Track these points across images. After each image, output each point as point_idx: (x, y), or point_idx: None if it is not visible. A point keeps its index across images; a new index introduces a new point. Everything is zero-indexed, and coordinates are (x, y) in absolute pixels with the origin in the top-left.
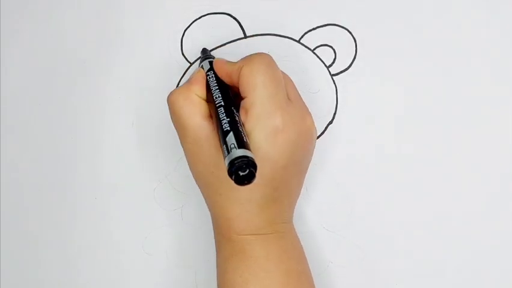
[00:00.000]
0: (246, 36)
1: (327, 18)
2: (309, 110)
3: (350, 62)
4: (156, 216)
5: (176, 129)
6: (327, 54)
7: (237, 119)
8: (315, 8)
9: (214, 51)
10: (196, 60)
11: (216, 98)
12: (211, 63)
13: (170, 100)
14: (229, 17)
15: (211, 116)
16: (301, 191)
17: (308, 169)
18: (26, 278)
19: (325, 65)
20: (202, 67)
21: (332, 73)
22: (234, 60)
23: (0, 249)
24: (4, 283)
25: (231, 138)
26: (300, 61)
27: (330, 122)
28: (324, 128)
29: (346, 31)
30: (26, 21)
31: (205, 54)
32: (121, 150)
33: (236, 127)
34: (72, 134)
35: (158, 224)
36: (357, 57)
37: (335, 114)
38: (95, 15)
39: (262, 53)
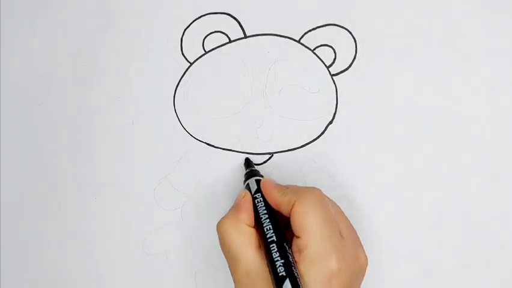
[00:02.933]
0: (246, 36)
1: (327, 18)
2: (360, 242)
3: (350, 62)
4: (156, 216)
5: (227, 259)
6: (327, 54)
7: (290, 258)
8: (315, 8)
9: (214, 51)
10: (196, 61)
11: (267, 230)
12: (257, 182)
13: (221, 230)
14: (229, 17)
15: (261, 245)
16: None
17: (308, 170)
18: (26, 278)
19: (325, 65)
20: (248, 187)
21: (332, 73)
22: (236, 61)
23: (0, 249)
24: (4, 283)
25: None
26: (300, 61)
27: (330, 122)
28: (324, 128)
29: (346, 31)
30: (26, 21)
31: (250, 167)
32: (121, 150)
33: (291, 272)
34: (72, 134)
35: (158, 224)
36: (357, 57)
37: (335, 114)
38: (95, 15)
39: (313, 189)
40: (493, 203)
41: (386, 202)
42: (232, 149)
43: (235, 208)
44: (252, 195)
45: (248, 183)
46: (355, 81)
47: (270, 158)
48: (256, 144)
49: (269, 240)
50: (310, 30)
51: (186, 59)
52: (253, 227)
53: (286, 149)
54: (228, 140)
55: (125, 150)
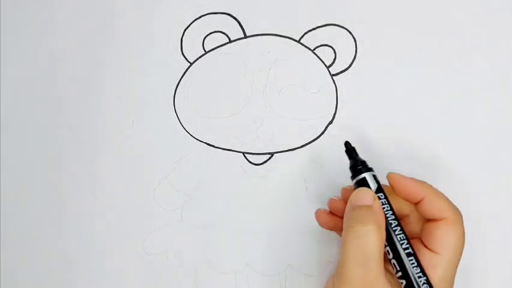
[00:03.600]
0: (246, 36)
1: (327, 18)
2: None
3: (350, 62)
4: (156, 216)
5: (351, 262)
6: (327, 54)
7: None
8: (315, 8)
9: (214, 51)
10: (196, 61)
11: (401, 239)
12: (375, 179)
13: (362, 233)
14: (229, 17)
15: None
16: (302, 190)
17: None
18: (26, 278)
19: (325, 65)
20: (363, 184)
21: (332, 73)
22: (236, 61)
23: (0, 249)
24: (4, 283)
25: None
26: (300, 61)
27: (330, 122)
28: (324, 128)
29: (346, 31)
30: (26, 21)
31: (356, 157)
32: (121, 150)
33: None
34: (72, 134)
35: (158, 224)
36: (357, 57)
37: (335, 114)
38: (95, 15)
39: (459, 211)
40: (493, 203)
41: None
42: (232, 149)
43: (373, 212)
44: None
45: (365, 180)
46: (355, 81)
47: (270, 158)
48: (256, 144)
49: (406, 252)
50: (310, 30)
51: (186, 59)
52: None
53: (286, 149)
54: (228, 140)
55: (125, 150)
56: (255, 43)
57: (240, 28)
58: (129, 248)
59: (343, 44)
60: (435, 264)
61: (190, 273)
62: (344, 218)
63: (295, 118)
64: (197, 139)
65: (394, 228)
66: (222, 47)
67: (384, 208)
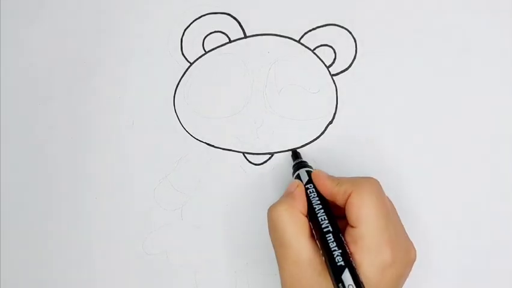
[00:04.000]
0: (246, 36)
1: (327, 18)
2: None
3: (350, 62)
4: (156, 216)
5: (275, 246)
6: (327, 54)
7: (347, 249)
8: (315, 8)
9: (214, 51)
10: (196, 61)
11: (322, 220)
12: (308, 173)
13: (274, 216)
14: (229, 17)
15: (313, 235)
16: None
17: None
18: (26, 278)
19: (325, 65)
20: (298, 177)
21: (332, 73)
22: (236, 61)
23: (0, 249)
24: (4, 283)
25: (347, 277)
26: (300, 61)
27: (330, 122)
28: (324, 128)
29: (346, 31)
30: (26, 21)
31: (298, 159)
32: (121, 150)
33: (349, 262)
34: (72, 134)
35: (158, 224)
36: (357, 57)
37: (335, 114)
38: (95, 15)
39: (370, 178)
40: (494, 203)
41: None
42: (232, 149)
43: (290, 196)
44: (304, 186)
45: (299, 174)
46: (355, 81)
47: (270, 158)
48: (256, 144)
49: (325, 230)
50: (310, 30)
51: (186, 59)
52: (306, 217)
53: (286, 149)
54: (228, 140)
55: (125, 150)
56: (255, 43)
57: (240, 28)
58: (129, 248)
59: (343, 44)
60: (356, 237)
61: (190, 273)
62: None
63: (295, 118)
64: (197, 139)
65: (317, 212)
66: (222, 47)
67: (310, 196)
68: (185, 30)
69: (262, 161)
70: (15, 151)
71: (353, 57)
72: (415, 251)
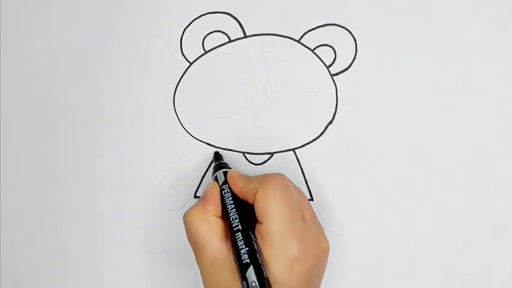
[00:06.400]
0: (246, 36)
1: (327, 18)
2: (322, 228)
3: (350, 62)
4: (156, 216)
5: (193, 249)
6: (327, 54)
7: (255, 246)
8: (315, 8)
9: (214, 51)
10: (196, 60)
11: (233, 219)
12: (225, 174)
13: (187, 220)
14: (229, 17)
15: (227, 235)
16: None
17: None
18: (26, 278)
19: (325, 65)
20: (216, 179)
21: (332, 73)
22: (236, 61)
23: (0, 249)
24: (4, 283)
25: (251, 274)
26: (300, 61)
27: (330, 122)
28: (324, 128)
29: (346, 31)
30: (26, 21)
31: (218, 160)
32: (121, 150)
33: (256, 259)
34: (72, 134)
35: (158, 224)
36: (357, 57)
37: (335, 114)
38: (94, 15)
39: (276, 174)
40: (494, 203)
41: (386, 202)
42: (232, 149)
43: (203, 199)
44: (220, 187)
45: (216, 176)
46: (355, 81)
47: (270, 158)
48: (256, 144)
49: (234, 229)
50: (310, 30)
51: (186, 59)
52: (221, 218)
53: (286, 149)
54: (228, 140)
55: (125, 150)
56: (255, 43)
57: (240, 28)
58: (129, 247)
59: (343, 44)
60: (263, 233)
61: (190, 273)
62: None
63: (295, 118)
64: (197, 139)
65: (229, 211)
66: (222, 46)
67: (224, 196)
68: (185, 30)
69: (262, 161)
70: (15, 151)
71: (353, 57)
72: (327, 242)
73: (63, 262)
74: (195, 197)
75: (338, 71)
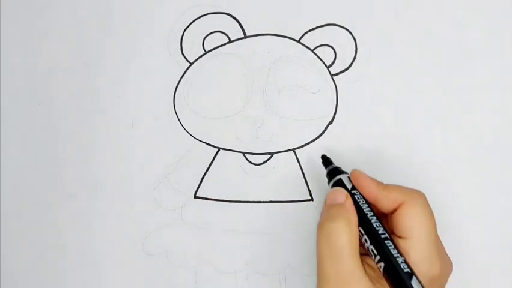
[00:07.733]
0: (246, 36)
1: (327, 18)
2: None
3: (350, 62)
4: (156, 216)
5: (324, 260)
6: (327, 54)
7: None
8: (315, 8)
9: (214, 51)
10: (196, 61)
11: (377, 227)
12: (350, 179)
13: (333, 232)
14: (229, 17)
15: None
16: (302, 190)
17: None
18: (26, 277)
19: (325, 65)
20: (339, 184)
21: (332, 73)
22: (236, 61)
23: (0, 249)
24: (4, 283)
25: (416, 283)
26: (300, 61)
27: (330, 122)
28: (324, 128)
29: (346, 31)
30: (26, 21)
31: (332, 164)
32: (121, 150)
33: (412, 269)
34: (72, 134)
35: (158, 224)
36: (357, 57)
37: (335, 114)
38: (95, 15)
39: (419, 191)
40: (494, 203)
41: None
42: (232, 149)
43: (343, 209)
44: (350, 192)
45: (341, 180)
46: (355, 81)
47: (270, 158)
48: (256, 144)
49: (382, 237)
50: (310, 30)
51: (186, 59)
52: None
53: (286, 149)
54: (228, 140)
55: (125, 150)
56: (255, 43)
57: (240, 28)
58: (129, 248)
59: (343, 44)
60: (405, 249)
61: (190, 273)
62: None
63: (295, 118)
64: (197, 139)
65: (370, 218)
66: (222, 47)
67: (359, 202)
68: (185, 30)
69: (262, 161)
70: (15, 151)
71: (353, 57)
72: (451, 262)
73: (63, 262)
74: (195, 197)
75: (338, 71)
